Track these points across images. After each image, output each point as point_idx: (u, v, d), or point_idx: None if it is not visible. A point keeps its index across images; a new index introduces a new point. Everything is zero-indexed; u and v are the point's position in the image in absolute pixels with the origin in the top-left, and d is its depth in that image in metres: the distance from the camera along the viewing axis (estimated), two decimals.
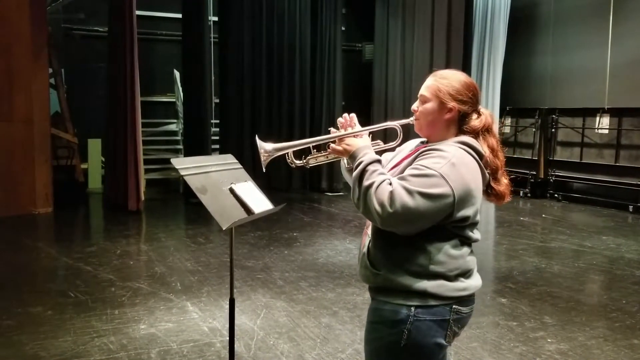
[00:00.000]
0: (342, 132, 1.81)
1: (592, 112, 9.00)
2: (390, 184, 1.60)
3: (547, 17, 9.77)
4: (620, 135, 8.67)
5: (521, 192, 9.60)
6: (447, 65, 9.25)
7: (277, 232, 6.61)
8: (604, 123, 8.87)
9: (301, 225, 7.11)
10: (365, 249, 1.78)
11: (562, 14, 9.51)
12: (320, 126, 10.05)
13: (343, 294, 4.48)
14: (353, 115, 1.85)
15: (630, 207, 8.23)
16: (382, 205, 1.57)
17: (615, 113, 8.68)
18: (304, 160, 1.90)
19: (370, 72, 10.93)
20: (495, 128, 1.82)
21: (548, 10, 9.74)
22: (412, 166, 1.66)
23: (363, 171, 1.64)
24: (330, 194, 9.70)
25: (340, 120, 1.85)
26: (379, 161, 1.70)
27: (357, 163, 1.68)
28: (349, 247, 5.98)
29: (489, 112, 1.83)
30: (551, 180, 9.54)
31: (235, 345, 2.70)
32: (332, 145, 1.81)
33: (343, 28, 10.74)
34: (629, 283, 4.89)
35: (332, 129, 1.85)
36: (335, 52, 10.11)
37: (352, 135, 1.79)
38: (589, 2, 9.10)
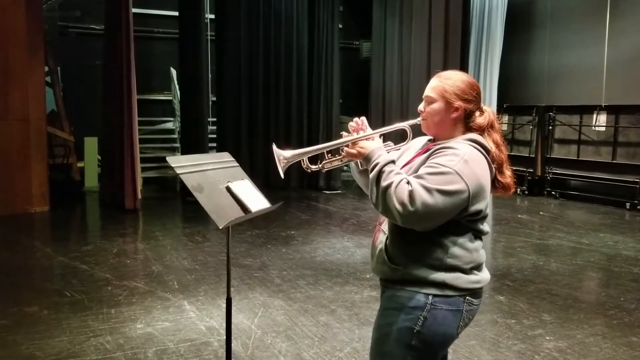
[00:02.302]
0: (355, 135, 1.87)
1: (589, 110, 9.00)
2: (408, 183, 1.65)
3: (544, 15, 9.76)
4: (617, 133, 8.67)
5: (518, 190, 9.59)
6: (445, 63, 9.26)
7: (274, 231, 6.59)
8: (601, 120, 8.87)
9: (299, 223, 7.10)
10: (382, 245, 1.83)
11: (559, 11, 9.50)
12: (318, 124, 10.04)
13: (341, 292, 4.47)
14: (363, 118, 1.91)
15: (628, 205, 8.24)
16: (402, 204, 1.62)
17: (612, 110, 8.68)
18: (320, 165, 1.96)
19: (368, 70, 10.91)
20: (497, 124, 1.91)
21: (545, 8, 9.74)
22: (426, 164, 1.72)
23: (380, 172, 1.70)
24: (327, 192, 9.69)
25: (351, 124, 1.90)
26: (393, 162, 1.75)
27: (372, 165, 1.74)
28: (347, 245, 5.97)
29: (491, 109, 1.91)
30: (548, 177, 9.54)
31: (232, 344, 2.69)
32: (346, 149, 1.86)
33: (340, 26, 10.72)
34: (626, 280, 4.89)
35: (344, 133, 1.91)
36: (333, 50, 10.09)
37: (365, 138, 1.84)
38: (586, 0, 9.10)
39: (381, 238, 1.85)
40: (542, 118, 9.71)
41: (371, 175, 1.72)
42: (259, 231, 6.51)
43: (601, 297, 4.50)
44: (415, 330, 1.75)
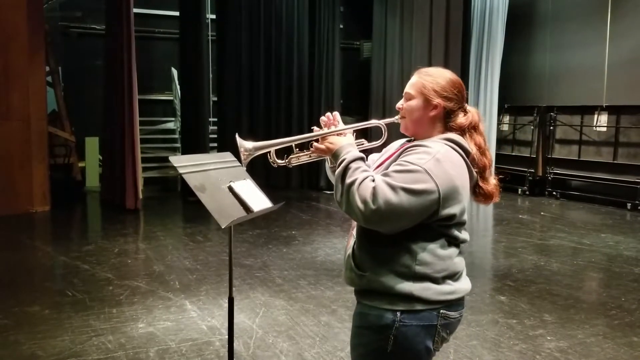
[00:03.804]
0: (325, 130, 1.78)
1: (590, 110, 8.99)
2: (374, 180, 1.56)
3: (545, 15, 9.77)
4: (619, 133, 8.67)
5: (519, 190, 9.60)
6: (446, 63, 9.24)
7: (275, 231, 6.59)
8: (602, 121, 8.87)
9: (300, 223, 7.10)
10: (350, 251, 1.74)
11: (560, 11, 9.50)
12: (319, 124, 10.00)
13: (342, 292, 4.47)
14: (336, 113, 1.83)
15: (629, 205, 8.23)
16: (364, 202, 1.52)
17: (613, 111, 8.67)
18: (286, 160, 1.85)
19: (369, 70, 10.91)
20: (483, 126, 1.79)
21: (546, 8, 9.74)
22: (396, 162, 1.63)
23: (346, 168, 1.60)
24: (328, 192, 9.67)
25: (323, 118, 1.82)
26: (362, 159, 1.65)
27: (340, 161, 1.64)
28: None
29: (476, 110, 1.81)
30: (549, 178, 9.53)
31: (234, 344, 2.69)
32: (315, 144, 1.77)
33: (341, 26, 10.71)
34: (627, 280, 4.89)
35: (315, 128, 1.82)
36: (334, 50, 10.09)
37: (336, 133, 1.76)
38: (587, 0, 9.10)
39: (351, 243, 1.75)
40: (543, 118, 9.71)
41: (337, 172, 1.62)
42: (260, 231, 6.51)
43: (602, 298, 4.50)
44: (388, 351, 1.64)
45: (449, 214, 1.61)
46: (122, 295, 4.34)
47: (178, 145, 10.41)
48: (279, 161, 1.85)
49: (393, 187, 1.52)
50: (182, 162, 2.38)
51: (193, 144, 8.57)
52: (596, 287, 4.90)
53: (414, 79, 1.78)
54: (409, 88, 1.78)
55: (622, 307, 4.22)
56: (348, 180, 1.57)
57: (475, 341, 3.55)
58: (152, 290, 4.45)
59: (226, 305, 2.69)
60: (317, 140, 1.78)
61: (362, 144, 1.82)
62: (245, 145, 1.81)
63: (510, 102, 10.26)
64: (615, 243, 6.23)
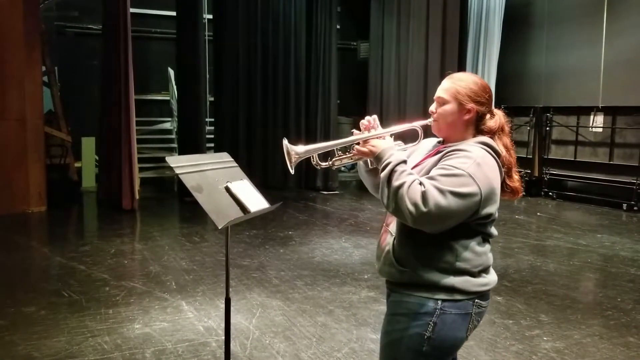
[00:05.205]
0: (366, 133, 1.87)
1: (586, 111, 9.02)
2: (421, 183, 1.65)
3: (541, 16, 9.79)
4: (614, 134, 8.70)
5: None
6: (442, 64, 9.27)
7: (272, 231, 6.59)
8: (598, 121, 8.90)
9: (296, 223, 7.10)
10: (389, 247, 1.82)
11: (556, 13, 9.53)
12: (316, 125, 10.04)
13: (339, 292, 4.47)
14: (375, 117, 1.91)
15: (624, 205, 8.26)
16: (415, 204, 1.61)
17: (609, 111, 8.70)
18: (330, 162, 1.95)
19: (366, 71, 10.90)
20: (508, 127, 1.91)
21: (542, 9, 9.77)
22: (439, 166, 1.72)
23: (392, 172, 1.69)
24: (325, 192, 9.69)
25: (363, 122, 1.90)
26: (405, 162, 1.74)
27: (384, 164, 1.73)
28: (345, 246, 5.98)
29: (502, 112, 1.90)
30: (545, 178, 9.56)
31: (230, 345, 2.69)
32: (357, 147, 1.85)
33: (338, 26, 10.73)
34: (623, 281, 4.90)
35: (354, 131, 1.90)
36: (331, 51, 10.08)
37: (376, 136, 1.84)
38: (583, 1, 9.13)
39: (388, 240, 1.83)
40: (539, 119, 9.73)
41: (382, 174, 1.71)
42: (256, 231, 6.51)
43: (598, 298, 4.52)
44: (425, 337, 1.74)
45: (487, 213, 1.74)
46: (119, 295, 4.33)
47: (175, 145, 10.41)
48: (323, 164, 1.95)
49: (442, 191, 1.62)
50: (179, 163, 2.37)
51: (190, 144, 8.55)
52: (592, 287, 4.92)
53: (447, 84, 1.86)
54: (442, 93, 1.86)
55: (618, 308, 4.23)
56: (396, 183, 1.66)
57: (471, 341, 3.55)
58: (149, 291, 4.44)
59: (223, 305, 2.69)
60: (358, 143, 1.85)
61: (400, 146, 1.90)
62: (297, 149, 1.89)
63: (507, 103, 10.23)
64: (611, 243, 6.25)
